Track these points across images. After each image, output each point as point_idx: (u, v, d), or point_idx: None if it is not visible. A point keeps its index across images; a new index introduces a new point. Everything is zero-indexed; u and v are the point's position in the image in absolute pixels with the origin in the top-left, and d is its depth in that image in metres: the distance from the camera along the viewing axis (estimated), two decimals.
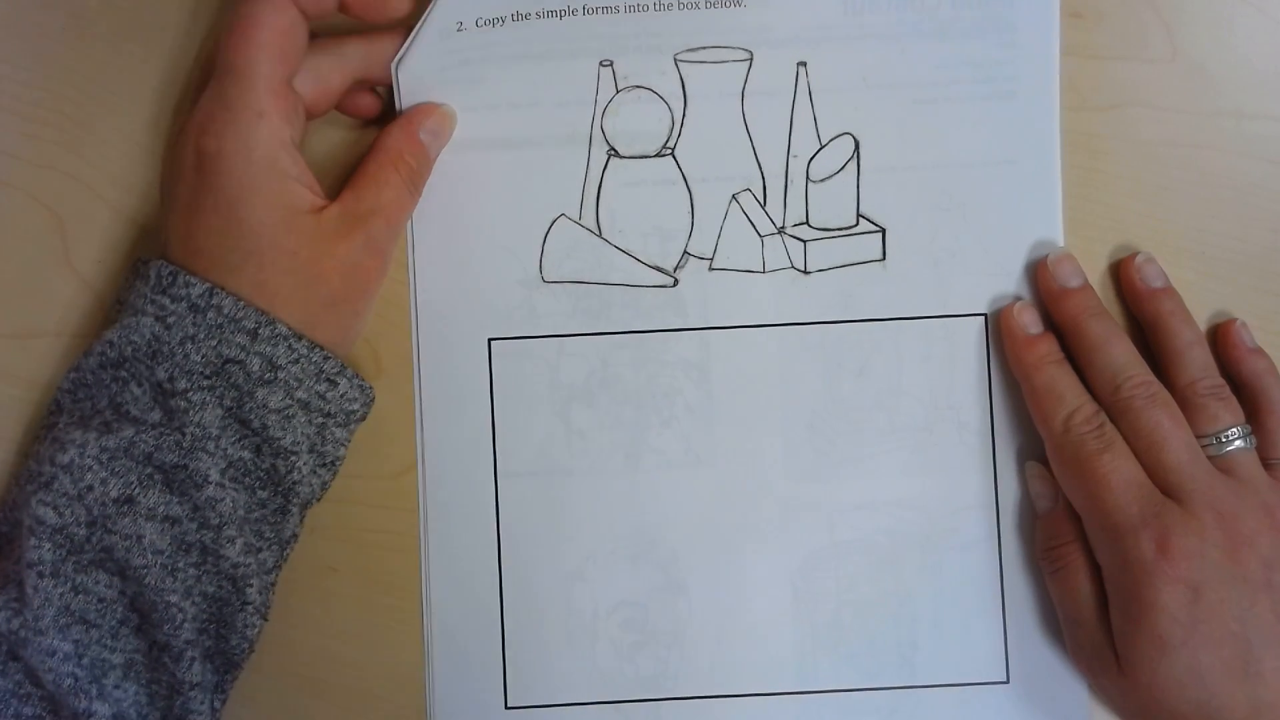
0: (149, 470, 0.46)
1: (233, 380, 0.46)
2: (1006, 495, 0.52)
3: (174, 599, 0.46)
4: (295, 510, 0.49)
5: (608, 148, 0.52)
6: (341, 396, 0.48)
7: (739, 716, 0.52)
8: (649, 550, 0.52)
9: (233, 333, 0.46)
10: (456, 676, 0.52)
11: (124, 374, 0.47)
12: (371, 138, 0.51)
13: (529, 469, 0.52)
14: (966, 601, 0.52)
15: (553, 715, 0.52)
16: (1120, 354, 0.50)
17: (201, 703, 0.47)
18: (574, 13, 0.51)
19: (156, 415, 0.46)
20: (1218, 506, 0.47)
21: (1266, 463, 0.50)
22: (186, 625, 0.46)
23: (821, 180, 0.52)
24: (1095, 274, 0.53)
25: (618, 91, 0.52)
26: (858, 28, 0.52)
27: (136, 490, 0.46)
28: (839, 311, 0.52)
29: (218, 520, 0.46)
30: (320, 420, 0.48)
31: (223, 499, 0.46)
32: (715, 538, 0.52)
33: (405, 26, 0.51)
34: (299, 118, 0.48)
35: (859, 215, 0.52)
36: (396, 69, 0.50)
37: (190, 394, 0.46)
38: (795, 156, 0.52)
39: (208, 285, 0.46)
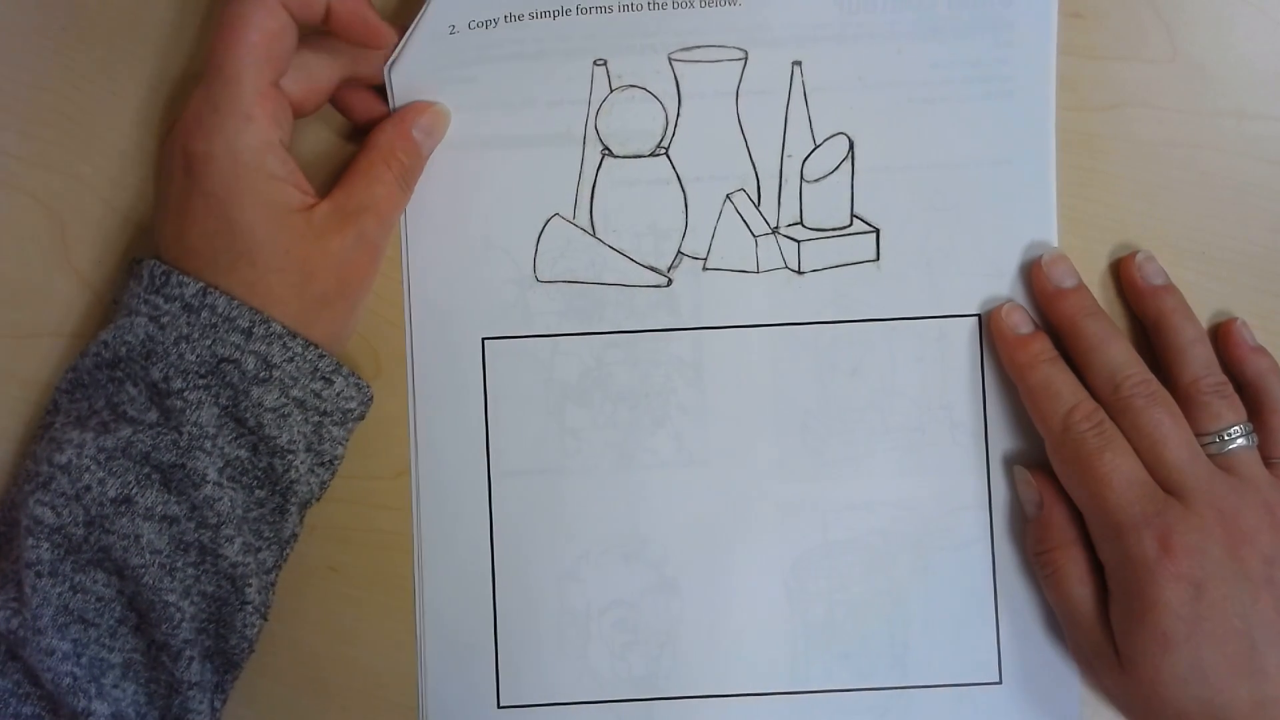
0: (146, 470, 0.46)
1: (228, 379, 0.47)
2: (999, 496, 0.53)
3: (172, 598, 0.46)
4: (294, 510, 0.49)
5: (602, 147, 0.53)
6: (338, 395, 0.49)
7: (731, 716, 0.53)
8: (642, 550, 0.53)
9: (227, 332, 0.47)
10: (449, 675, 0.53)
11: (120, 374, 0.47)
12: (364, 137, 0.51)
13: (522, 468, 0.53)
14: (959, 602, 0.53)
15: (545, 714, 0.53)
16: (1118, 353, 0.50)
17: (201, 702, 0.47)
18: (567, 12, 0.52)
19: (153, 415, 0.47)
20: (1219, 504, 0.47)
21: (1268, 461, 0.50)
22: (185, 624, 0.47)
23: (816, 180, 0.53)
24: (1095, 274, 0.53)
25: (612, 91, 0.53)
26: (853, 27, 0.52)
27: (134, 490, 0.46)
28: (833, 312, 0.53)
29: (216, 519, 0.47)
30: (317, 419, 0.49)
31: (220, 498, 0.47)
32: (708, 537, 0.53)
33: (399, 28, 0.51)
34: (287, 119, 0.49)
35: (853, 215, 0.53)
36: (389, 72, 0.51)
37: (186, 393, 0.47)
38: (790, 156, 0.53)
39: (201, 285, 0.47)
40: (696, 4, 0.52)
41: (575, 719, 0.53)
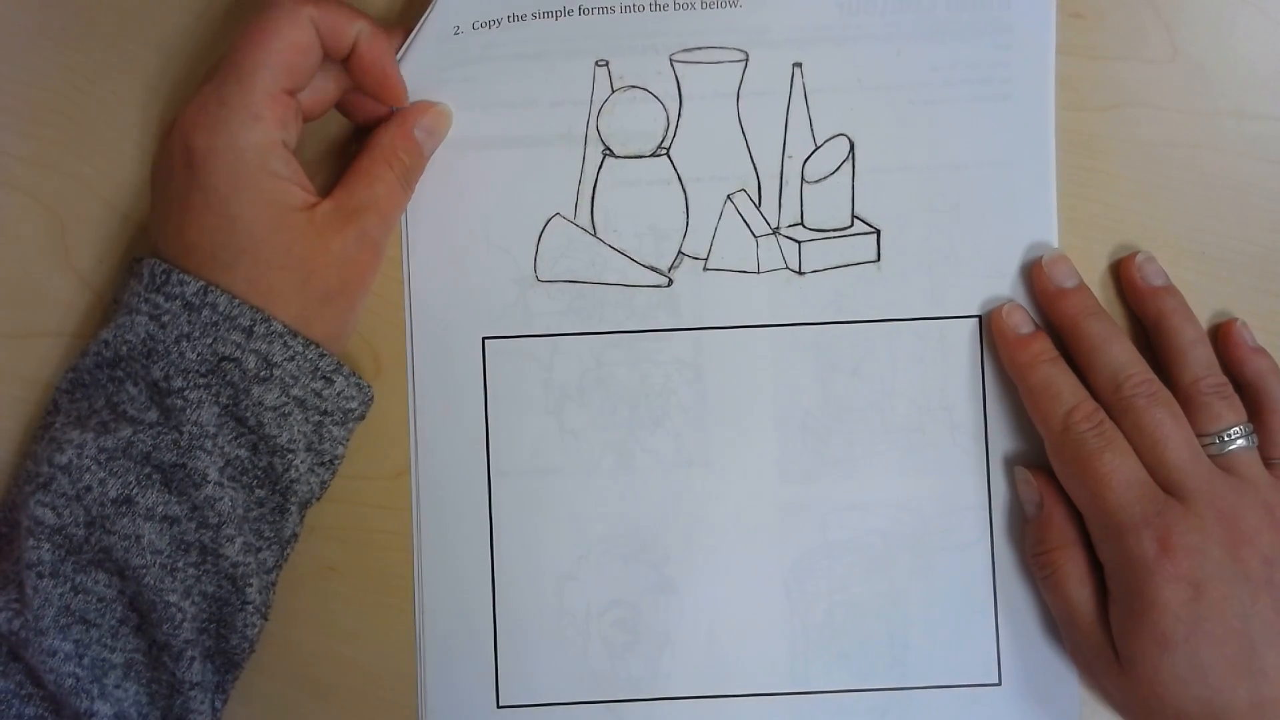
0: (147, 470, 0.47)
1: (228, 378, 0.47)
2: (999, 496, 0.53)
3: (173, 598, 0.47)
4: (294, 509, 0.49)
5: (603, 147, 0.53)
6: (338, 394, 0.49)
7: (730, 717, 0.53)
8: (641, 550, 0.53)
9: (228, 330, 0.47)
10: (448, 675, 0.53)
11: (120, 373, 0.48)
12: (365, 137, 0.51)
13: (522, 468, 0.53)
14: (959, 603, 0.53)
15: (544, 715, 0.53)
16: (1120, 353, 0.50)
17: (202, 702, 0.47)
18: (570, 13, 0.52)
19: (153, 414, 0.47)
20: (1219, 505, 0.48)
21: (1268, 461, 0.51)
22: (186, 625, 0.47)
23: (816, 181, 0.53)
24: (1095, 274, 0.54)
25: (613, 91, 0.53)
26: (853, 29, 0.52)
27: (135, 490, 0.46)
28: (833, 312, 0.53)
29: (216, 519, 0.47)
30: (317, 418, 0.49)
31: (221, 498, 0.47)
32: (708, 538, 0.53)
33: (403, 29, 0.51)
34: (295, 125, 0.49)
35: (854, 216, 0.53)
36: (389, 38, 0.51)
37: (186, 392, 0.47)
38: (790, 157, 0.53)
39: (202, 283, 0.47)
40: (698, 5, 0.52)
41: (574, 719, 0.53)
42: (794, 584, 0.53)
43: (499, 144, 0.53)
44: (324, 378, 0.49)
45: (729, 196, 0.53)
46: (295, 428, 0.48)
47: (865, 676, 0.53)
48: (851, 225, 0.53)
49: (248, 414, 0.47)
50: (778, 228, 0.53)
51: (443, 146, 0.53)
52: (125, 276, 0.50)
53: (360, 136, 0.53)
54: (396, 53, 0.51)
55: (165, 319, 0.47)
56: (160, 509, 0.47)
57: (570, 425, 0.53)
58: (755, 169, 0.53)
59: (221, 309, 0.47)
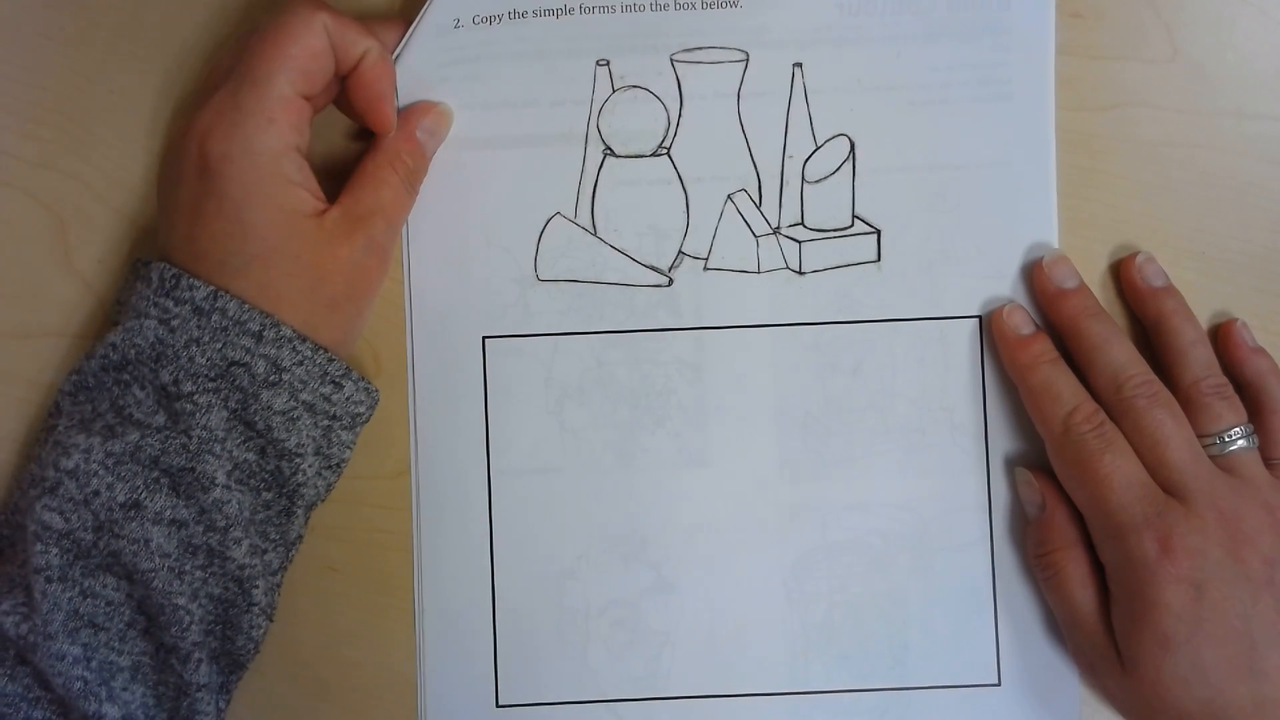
0: (155, 474, 0.47)
1: (237, 383, 0.47)
2: (999, 497, 0.54)
3: (181, 601, 0.47)
4: (300, 512, 0.50)
5: (603, 147, 0.53)
6: (347, 399, 0.50)
7: (730, 716, 0.54)
8: (641, 550, 0.53)
9: (238, 335, 0.47)
10: (448, 674, 0.53)
11: (126, 377, 0.48)
12: (368, 138, 0.52)
13: (522, 467, 0.54)
14: (959, 603, 0.53)
15: (543, 714, 0.53)
16: (1121, 353, 0.51)
17: (208, 703, 0.48)
18: (571, 12, 0.53)
19: (161, 418, 0.47)
20: (1220, 505, 0.48)
21: (1268, 462, 0.51)
22: (194, 627, 0.47)
23: (817, 181, 0.53)
24: (1095, 274, 0.54)
25: (614, 91, 0.53)
26: (853, 30, 0.53)
27: (143, 494, 0.47)
28: (833, 312, 0.53)
29: (224, 522, 0.47)
30: (326, 423, 0.49)
31: (229, 501, 0.48)
32: (708, 537, 0.54)
33: (404, 21, 0.52)
34: (306, 128, 0.49)
35: (854, 216, 0.53)
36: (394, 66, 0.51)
37: (196, 396, 0.47)
38: (791, 157, 0.53)
39: (212, 288, 0.47)
40: (699, 6, 0.53)
41: (574, 719, 0.53)
42: (794, 584, 0.53)
43: (499, 143, 0.53)
44: (333, 382, 0.49)
45: (729, 196, 0.53)
46: (304, 432, 0.49)
47: (865, 676, 0.53)
48: (852, 225, 0.53)
49: (256, 418, 0.48)
50: (778, 227, 0.54)
51: (443, 146, 0.53)
52: (129, 278, 0.50)
53: (362, 136, 0.53)
54: (396, 47, 0.51)
55: (175, 323, 0.47)
56: (168, 513, 0.47)
57: (570, 425, 0.54)
58: (756, 169, 0.54)
59: (231, 314, 0.47)
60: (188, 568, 0.47)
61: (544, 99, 0.53)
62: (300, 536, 0.51)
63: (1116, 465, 0.49)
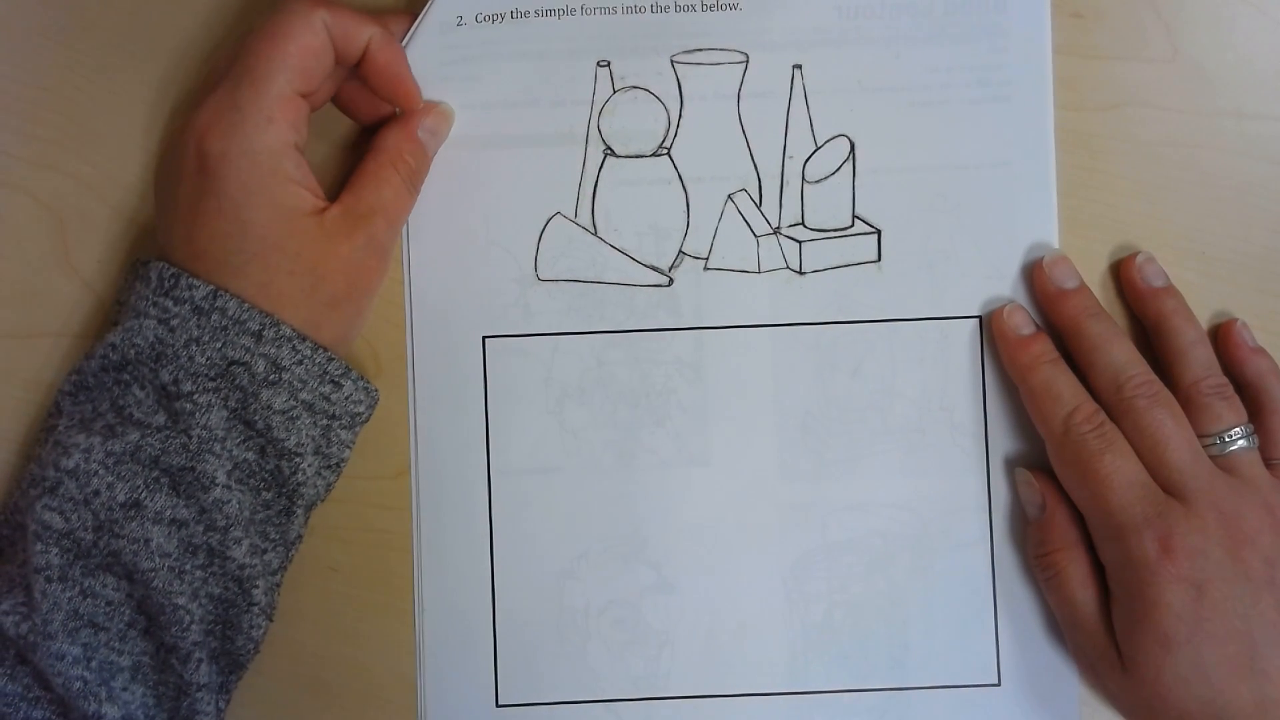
0: (155, 474, 0.47)
1: (237, 382, 0.48)
2: (999, 497, 0.54)
3: (181, 601, 0.47)
4: (300, 512, 0.50)
5: (604, 147, 0.54)
6: (346, 399, 0.50)
7: (730, 716, 0.54)
8: (641, 549, 0.54)
9: (237, 334, 0.47)
10: (448, 674, 0.54)
11: (126, 377, 0.48)
12: (369, 138, 0.52)
13: (522, 467, 0.54)
14: (959, 603, 0.54)
15: (543, 714, 0.53)
16: (1121, 354, 0.51)
17: (208, 703, 0.48)
18: (572, 12, 0.53)
19: (161, 418, 0.48)
20: (1220, 505, 0.48)
21: (1268, 462, 0.51)
22: (194, 627, 0.47)
23: (817, 181, 0.53)
24: (1095, 274, 0.54)
25: (615, 92, 0.54)
26: (852, 31, 0.53)
27: (143, 494, 0.47)
28: (834, 312, 0.54)
29: (224, 522, 0.48)
30: (325, 422, 0.49)
31: (229, 500, 0.48)
32: (708, 537, 0.54)
33: (408, 15, 0.52)
34: (304, 126, 0.49)
35: (854, 216, 0.54)
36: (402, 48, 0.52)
37: (195, 396, 0.47)
38: (791, 158, 0.54)
39: (211, 288, 0.47)
40: (699, 8, 0.53)
41: (574, 718, 0.54)
42: (794, 584, 0.54)
43: (500, 143, 0.54)
44: (332, 382, 0.49)
45: (730, 196, 0.54)
46: (303, 431, 0.49)
47: (865, 676, 0.53)
48: (852, 225, 0.54)
49: (256, 417, 0.48)
50: (778, 227, 0.54)
51: (444, 145, 0.53)
52: (128, 278, 0.50)
53: (364, 135, 0.53)
54: (403, 37, 0.51)
55: (174, 323, 0.48)
56: (169, 512, 0.47)
57: (570, 424, 0.54)
58: (756, 169, 0.54)
59: (231, 313, 0.47)
60: (188, 567, 0.47)
61: (545, 99, 0.54)
62: (300, 536, 0.51)
63: (1117, 465, 0.49)
